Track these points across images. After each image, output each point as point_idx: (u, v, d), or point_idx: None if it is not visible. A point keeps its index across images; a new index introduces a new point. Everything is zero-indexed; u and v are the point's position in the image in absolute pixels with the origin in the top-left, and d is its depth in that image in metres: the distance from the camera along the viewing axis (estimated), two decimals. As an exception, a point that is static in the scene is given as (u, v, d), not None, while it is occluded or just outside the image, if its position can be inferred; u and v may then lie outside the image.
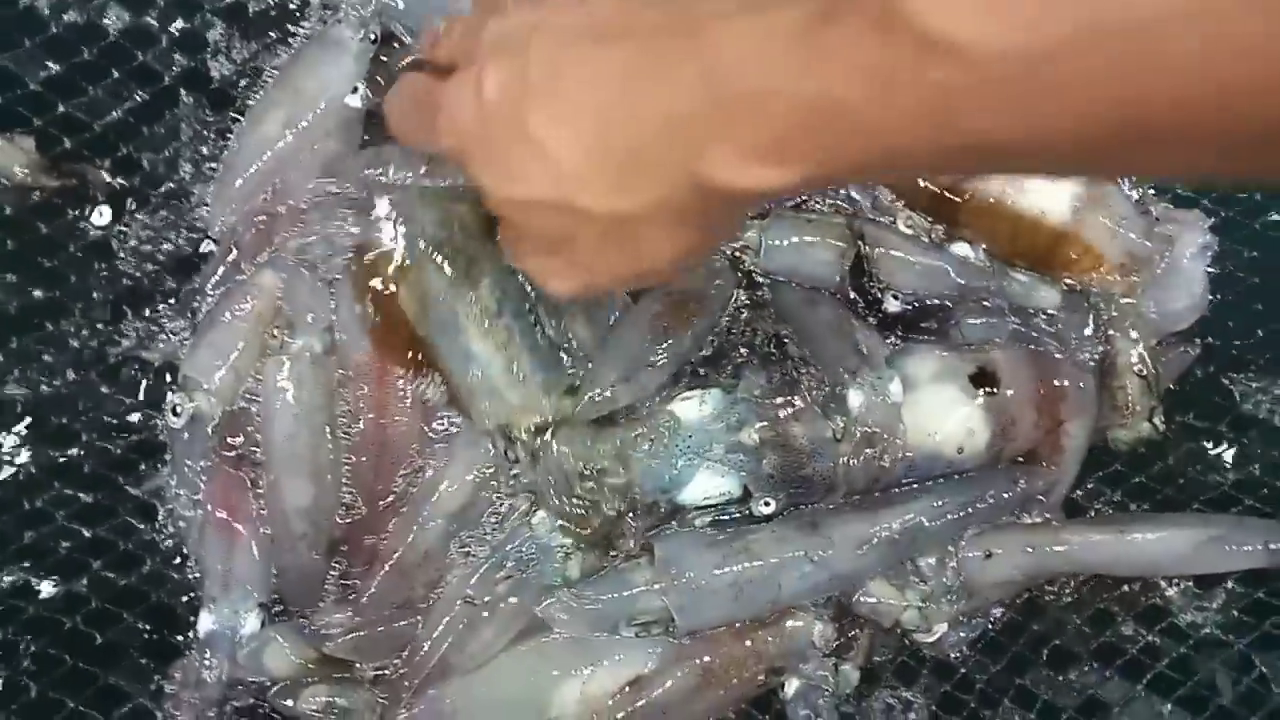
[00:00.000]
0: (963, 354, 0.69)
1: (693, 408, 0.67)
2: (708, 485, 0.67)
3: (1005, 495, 0.69)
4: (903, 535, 0.67)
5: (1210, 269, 0.73)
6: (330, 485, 0.68)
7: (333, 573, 0.70)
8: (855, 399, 0.66)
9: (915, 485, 0.69)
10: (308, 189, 0.69)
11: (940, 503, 0.68)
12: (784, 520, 0.67)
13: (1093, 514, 0.74)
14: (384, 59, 0.72)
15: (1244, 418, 0.73)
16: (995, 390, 0.68)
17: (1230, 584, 0.70)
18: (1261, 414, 0.73)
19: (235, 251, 0.70)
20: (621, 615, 0.65)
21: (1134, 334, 0.71)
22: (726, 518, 0.68)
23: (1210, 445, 0.74)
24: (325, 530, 0.68)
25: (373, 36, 0.71)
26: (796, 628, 0.67)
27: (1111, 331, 0.72)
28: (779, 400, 0.67)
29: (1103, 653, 0.71)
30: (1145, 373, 0.71)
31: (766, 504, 0.66)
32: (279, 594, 0.69)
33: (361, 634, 0.67)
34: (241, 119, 0.72)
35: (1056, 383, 0.70)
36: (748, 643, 0.67)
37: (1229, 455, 0.74)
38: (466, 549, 0.68)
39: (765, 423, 0.66)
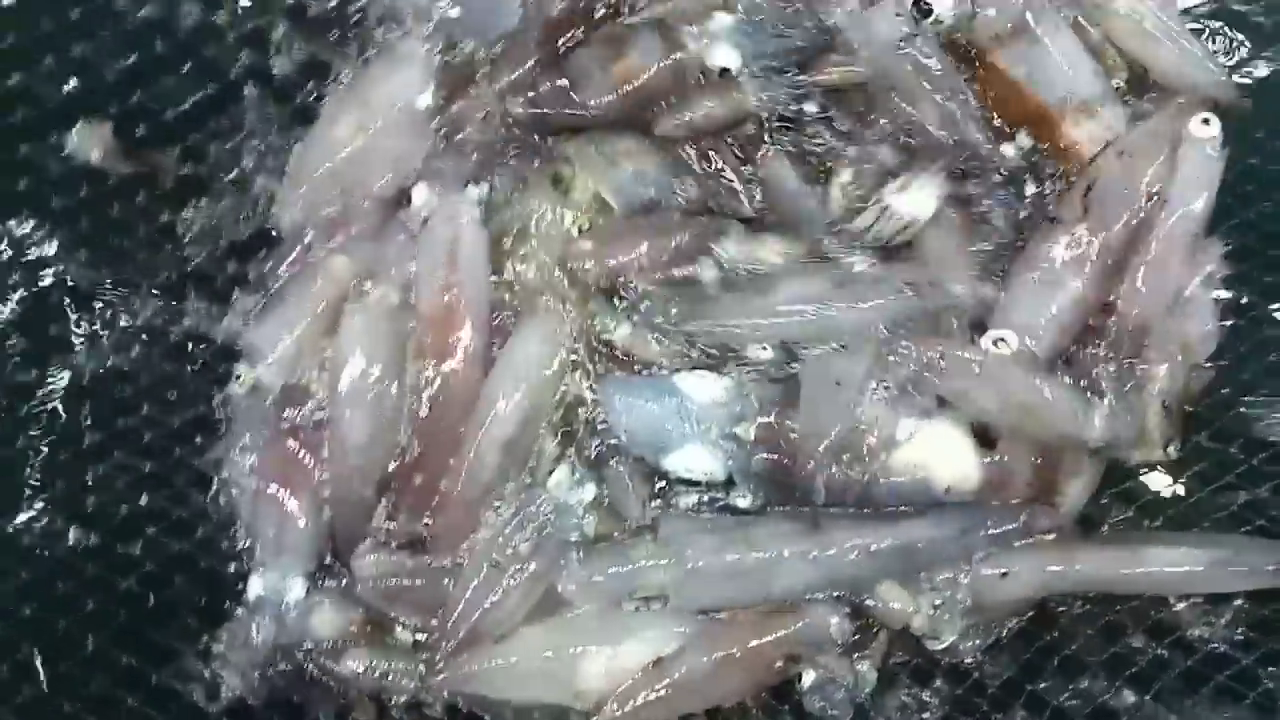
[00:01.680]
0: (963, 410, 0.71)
1: (703, 386, 0.70)
2: (693, 460, 0.70)
3: (1008, 527, 0.70)
4: (901, 550, 0.68)
5: (1223, 295, 0.74)
6: (389, 425, 0.72)
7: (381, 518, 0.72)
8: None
9: (913, 508, 0.70)
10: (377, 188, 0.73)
11: (940, 525, 0.69)
12: (786, 516, 0.69)
13: (1105, 529, 0.76)
14: (448, 61, 0.75)
15: (1254, 441, 0.74)
16: (992, 453, 0.71)
17: (1239, 601, 0.71)
18: (1271, 437, 0.74)
19: (305, 240, 0.74)
20: (623, 588, 0.68)
21: (1164, 365, 0.73)
22: (708, 499, 0.70)
23: (1221, 466, 0.75)
24: (379, 467, 0.72)
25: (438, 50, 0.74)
26: (815, 618, 0.69)
27: (1139, 362, 0.73)
28: (779, 408, 0.69)
29: (1112, 663, 0.72)
30: (1169, 403, 0.72)
31: (743, 497, 0.70)
32: (331, 528, 0.72)
33: (397, 582, 0.69)
34: (303, 118, 0.76)
35: (1056, 455, 0.72)
36: (768, 629, 0.69)
37: (1238, 476, 0.74)
38: (498, 505, 0.70)
39: (763, 422, 0.69)
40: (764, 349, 0.71)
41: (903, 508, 0.70)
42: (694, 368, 0.71)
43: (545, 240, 0.73)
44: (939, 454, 0.71)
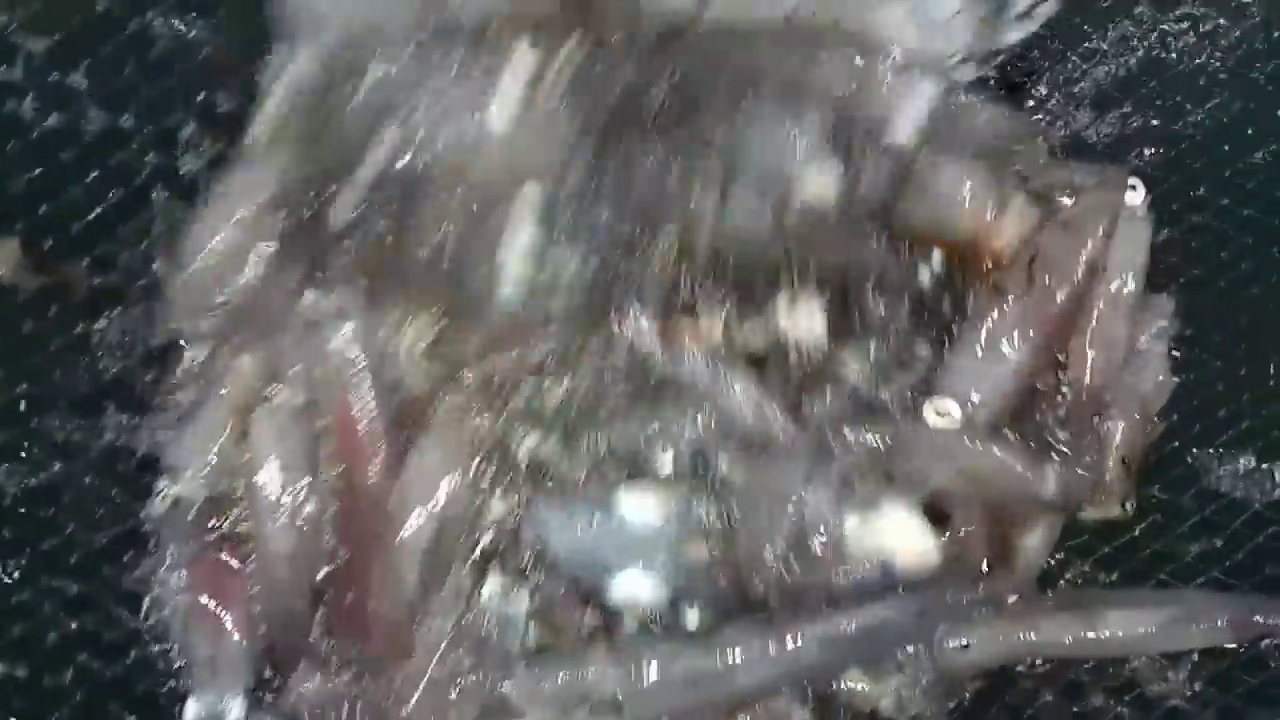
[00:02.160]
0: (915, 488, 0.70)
1: (642, 504, 0.68)
2: (636, 586, 0.68)
3: (968, 599, 0.70)
4: (862, 637, 0.67)
5: (1175, 351, 0.75)
6: (313, 532, 0.70)
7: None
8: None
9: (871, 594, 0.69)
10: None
11: (900, 607, 0.68)
12: (742, 619, 0.67)
13: (1063, 583, 0.75)
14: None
15: (1206, 492, 0.75)
16: (947, 527, 0.70)
17: (1196, 656, 0.71)
18: (1223, 488, 0.74)
19: (205, 343, 0.72)
20: (575, 698, 0.66)
21: (1122, 422, 0.73)
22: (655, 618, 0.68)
23: (1175, 517, 0.75)
24: (308, 575, 0.70)
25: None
26: (777, 712, 0.68)
27: (1097, 416, 0.73)
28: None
29: (1074, 723, 0.72)
30: (1127, 459, 0.73)
31: (691, 615, 0.68)
32: (268, 642, 0.70)
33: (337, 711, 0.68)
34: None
35: (1009, 516, 0.72)
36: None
37: (1191, 528, 0.74)
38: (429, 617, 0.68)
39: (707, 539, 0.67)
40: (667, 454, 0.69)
41: (861, 595, 0.68)
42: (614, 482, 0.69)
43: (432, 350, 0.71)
44: (895, 540, 0.70)
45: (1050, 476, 0.70)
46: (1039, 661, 0.73)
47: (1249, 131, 0.80)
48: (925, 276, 0.75)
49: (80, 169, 0.73)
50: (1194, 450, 0.75)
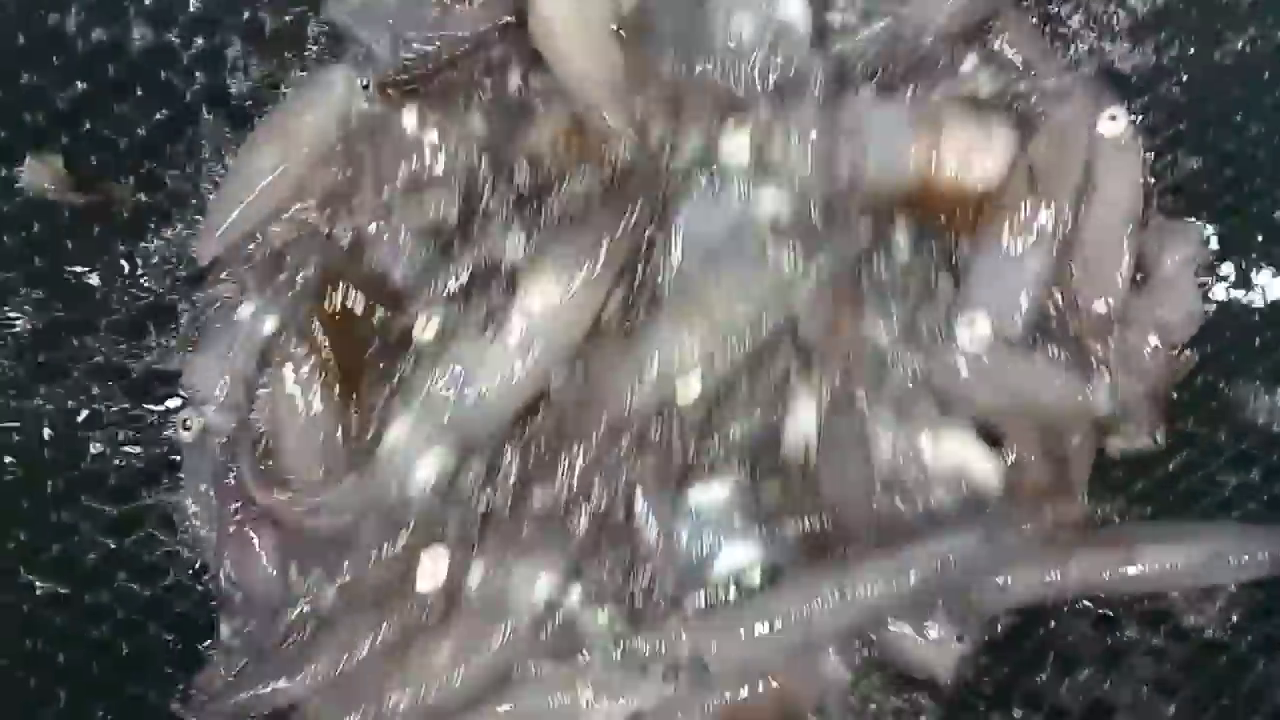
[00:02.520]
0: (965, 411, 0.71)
1: (710, 492, 0.68)
2: (738, 556, 0.67)
3: (1032, 528, 0.69)
4: (936, 569, 0.67)
5: (1203, 280, 0.74)
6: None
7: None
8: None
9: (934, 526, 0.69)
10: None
11: (966, 536, 0.68)
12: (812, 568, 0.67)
13: (1098, 519, 0.76)
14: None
15: (1243, 424, 0.75)
16: (1003, 449, 0.70)
17: (1232, 586, 0.71)
18: (1260, 420, 0.75)
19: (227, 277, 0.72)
20: (653, 657, 0.66)
21: (1143, 347, 0.73)
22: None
23: (1209, 452, 0.75)
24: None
25: (364, 83, 0.72)
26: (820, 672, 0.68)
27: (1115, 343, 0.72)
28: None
29: (1108, 655, 0.73)
30: (1156, 388, 0.73)
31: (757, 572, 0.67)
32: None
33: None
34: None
35: (1060, 438, 0.72)
36: (760, 684, 0.67)
37: (1227, 461, 0.75)
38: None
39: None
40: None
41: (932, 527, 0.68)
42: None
43: None
44: (957, 465, 0.70)
45: (1101, 387, 0.70)
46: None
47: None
48: (901, 241, 0.73)
49: (126, 86, 0.72)
50: (1229, 382, 0.75)
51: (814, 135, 0.69)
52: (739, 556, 0.68)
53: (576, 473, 0.66)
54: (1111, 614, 0.73)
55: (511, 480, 0.67)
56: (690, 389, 0.67)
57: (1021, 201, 0.71)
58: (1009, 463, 0.71)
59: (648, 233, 0.68)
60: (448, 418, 0.65)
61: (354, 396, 0.68)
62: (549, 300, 0.66)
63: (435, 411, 0.65)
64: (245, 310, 0.71)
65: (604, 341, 0.68)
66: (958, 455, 0.70)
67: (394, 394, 0.67)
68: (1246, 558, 0.70)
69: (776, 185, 0.69)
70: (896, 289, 0.72)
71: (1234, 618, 0.71)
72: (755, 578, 0.68)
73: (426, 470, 0.65)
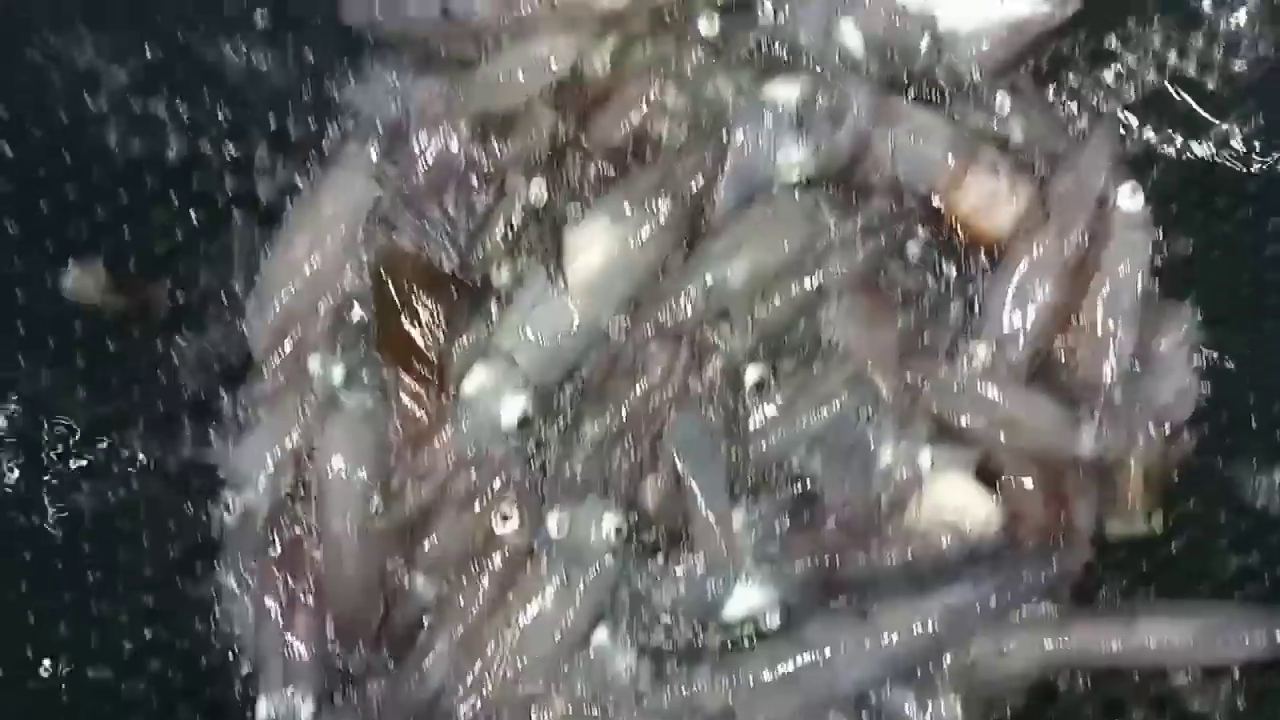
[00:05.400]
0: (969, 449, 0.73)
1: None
2: (748, 599, 0.71)
3: (1041, 575, 0.71)
4: (951, 617, 0.69)
5: (1199, 362, 0.76)
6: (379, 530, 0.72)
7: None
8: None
9: (949, 573, 0.71)
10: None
11: (979, 584, 0.70)
12: (832, 612, 0.70)
13: (1100, 599, 0.77)
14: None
15: (1242, 506, 0.76)
16: (1000, 489, 0.73)
17: (1237, 673, 0.72)
18: (1259, 502, 0.76)
19: (277, 361, 0.76)
20: (685, 711, 0.68)
21: (1139, 436, 0.74)
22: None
23: (1210, 531, 0.76)
24: (375, 572, 0.72)
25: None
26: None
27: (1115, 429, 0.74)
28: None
29: (1116, 739, 0.73)
30: (1149, 472, 0.74)
31: (773, 614, 0.71)
32: (334, 629, 0.72)
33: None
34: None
35: (1057, 467, 0.74)
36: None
37: (1229, 543, 0.76)
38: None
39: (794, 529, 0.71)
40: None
41: (940, 575, 0.71)
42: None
43: None
44: (956, 506, 0.72)
45: (1085, 429, 0.72)
46: (1080, 678, 0.75)
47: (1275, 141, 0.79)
48: (913, 247, 0.77)
49: (162, 194, 0.76)
50: (1226, 462, 0.76)
51: (858, 109, 0.73)
52: (754, 599, 0.71)
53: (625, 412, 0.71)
54: (1119, 698, 0.74)
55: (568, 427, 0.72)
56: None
57: (1036, 232, 0.74)
58: (1010, 505, 0.73)
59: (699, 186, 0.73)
60: (520, 364, 0.71)
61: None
62: (604, 253, 0.72)
63: (510, 358, 0.71)
64: (314, 364, 0.74)
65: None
66: (956, 497, 0.73)
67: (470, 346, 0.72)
68: (1246, 638, 0.70)
69: (813, 145, 0.73)
70: (910, 300, 0.76)
71: (1240, 704, 0.72)
72: (773, 620, 0.71)
73: (510, 414, 0.70)
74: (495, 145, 0.74)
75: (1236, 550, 0.76)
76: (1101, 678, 0.74)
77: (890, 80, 0.77)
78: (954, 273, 0.77)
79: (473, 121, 0.74)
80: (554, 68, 0.74)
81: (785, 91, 0.74)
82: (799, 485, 0.74)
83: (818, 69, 0.76)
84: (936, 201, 0.76)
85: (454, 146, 0.74)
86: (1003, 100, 0.78)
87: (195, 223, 0.77)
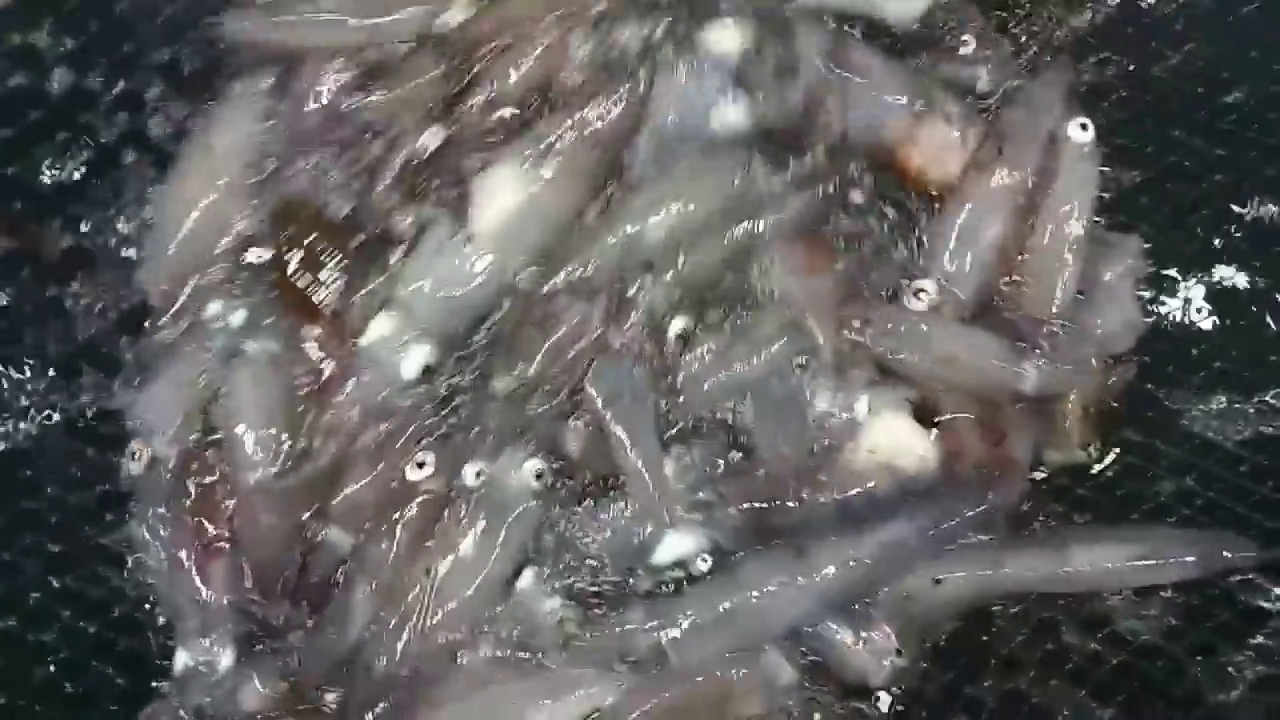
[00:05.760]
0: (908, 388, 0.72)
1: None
2: (678, 545, 0.69)
3: (979, 508, 0.71)
4: (887, 553, 0.68)
5: (1143, 291, 0.75)
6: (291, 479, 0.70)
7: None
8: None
9: (885, 509, 0.70)
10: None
11: (916, 520, 0.69)
12: (769, 549, 0.69)
13: (1036, 527, 0.76)
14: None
15: (1179, 432, 0.75)
16: (939, 419, 0.71)
17: (1167, 592, 0.72)
18: (1196, 429, 0.75)
19: (175, 307, 0.72)
20: (615, 652, 0.67)
21: (1084, 372, 0.73)
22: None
23: (1147, 458, 0.75)
24: (290, 523, 0.70)
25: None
26: (767, 666, 0.69)
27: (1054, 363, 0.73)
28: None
29: (1047, 660, 0.73)
30: (1087, 403, 0.73)
31: (704, 560, 0.69)
32: (250, 578, 0.71)
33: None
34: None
35: (995, 402, 0.72)
36: (710, 678, 0.68)
37: (1164, 469, 0.75)
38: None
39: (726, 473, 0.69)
40: None
41: (877, 512, 0.70)
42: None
43: None
44: (892, 445, 0.71)
45: (1032, 367, 0.71)
46: (1013, 602, 0.74)
47: (1223, 75, 0.80)
48: (856, 196, 0.74)
49: (48, 130, 0.73)
50: (1166, 391, 0.75)
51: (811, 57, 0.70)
52: (685, 545, 0.70)
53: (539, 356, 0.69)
54: (1052, 620, 0.73)
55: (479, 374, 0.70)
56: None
57: (985, 169, 0.72)
58: (948, 443, 0.71)
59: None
60: (422, 314, 0.69)
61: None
62: (513, 201, 0.69)
63: (412, 307, 0.69)
64: (213, 308, 0.72)
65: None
66: (893, 437, 0.71)
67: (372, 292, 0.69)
68: (1176, 561, 0.71)
69: (749, 96, 0.70)
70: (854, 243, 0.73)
71: (1171, 622, 0.72)
72: (702, 565, 0.70)
73: (412, 365, 0.69)
74: (378, 93, 0.71)
75: (1172, 475, 0.75)
76: (1035, 602, 0.73)
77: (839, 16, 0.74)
78: (899, 215, 0.75)
79: (354, 67, 0.71)
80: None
81: (724, 39, 0.70)
82: (732, 435, 0.72)
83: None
84: (885, 154, 0.74)
85: (338, 91, 0.71)
86: (970, 41, 0.76)
87: (84, 163, 0.74)
